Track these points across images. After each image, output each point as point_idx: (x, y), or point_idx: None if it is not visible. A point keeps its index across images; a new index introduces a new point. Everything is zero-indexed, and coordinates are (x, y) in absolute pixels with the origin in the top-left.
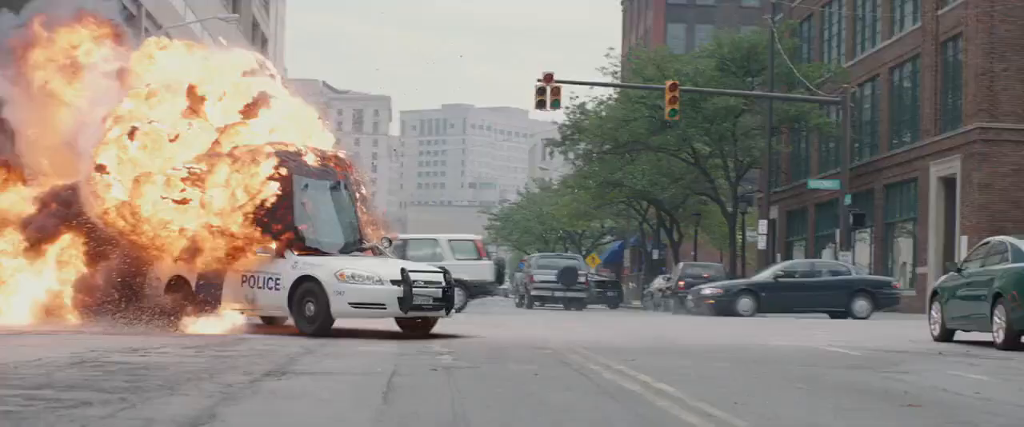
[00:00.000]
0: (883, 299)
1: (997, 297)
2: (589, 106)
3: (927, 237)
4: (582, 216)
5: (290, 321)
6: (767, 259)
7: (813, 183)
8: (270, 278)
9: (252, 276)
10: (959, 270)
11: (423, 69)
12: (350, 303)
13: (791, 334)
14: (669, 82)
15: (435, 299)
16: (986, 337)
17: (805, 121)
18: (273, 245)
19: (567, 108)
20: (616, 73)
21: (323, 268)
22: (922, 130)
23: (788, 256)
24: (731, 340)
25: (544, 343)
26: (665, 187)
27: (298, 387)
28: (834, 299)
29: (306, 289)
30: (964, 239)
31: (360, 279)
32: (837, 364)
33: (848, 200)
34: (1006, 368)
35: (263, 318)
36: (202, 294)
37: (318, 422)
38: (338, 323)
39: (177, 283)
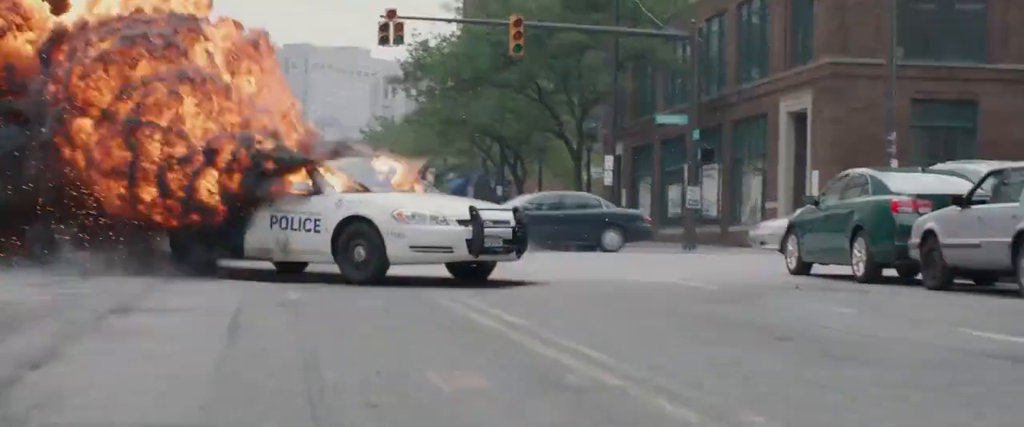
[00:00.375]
0: (634, 232)
1: (857, 230)
2: (432, 43)
3: (776, 173)
4: (426, 153)
5: (319, 267)
6: (613, 195)
7: (661, 118)
8: (308, 219)
9: (284, 217)
10: (816, 203)
11: (263, 9)
12: (411, 246)
13: (646, 270)
14: (514, 17)
15: (505, 241)
16: (844, 270)
17: (652, 56)
18: (308, 181)
19: (410, 45)
20: (459, 9)
21: (376, 206)
22: (772, 65)
23: (634, 193)
24: (587, 275)
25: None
26: (509, 123)
27: (144, 325)
28: (583, 232)
29: (354, 231)
30: (815, 174)
31: (422, 218)
32: (697, 298)
33: (696, 136)
34: (868, 301)
35: (278, 264)
36: (221, 240)
37: (165, 361)
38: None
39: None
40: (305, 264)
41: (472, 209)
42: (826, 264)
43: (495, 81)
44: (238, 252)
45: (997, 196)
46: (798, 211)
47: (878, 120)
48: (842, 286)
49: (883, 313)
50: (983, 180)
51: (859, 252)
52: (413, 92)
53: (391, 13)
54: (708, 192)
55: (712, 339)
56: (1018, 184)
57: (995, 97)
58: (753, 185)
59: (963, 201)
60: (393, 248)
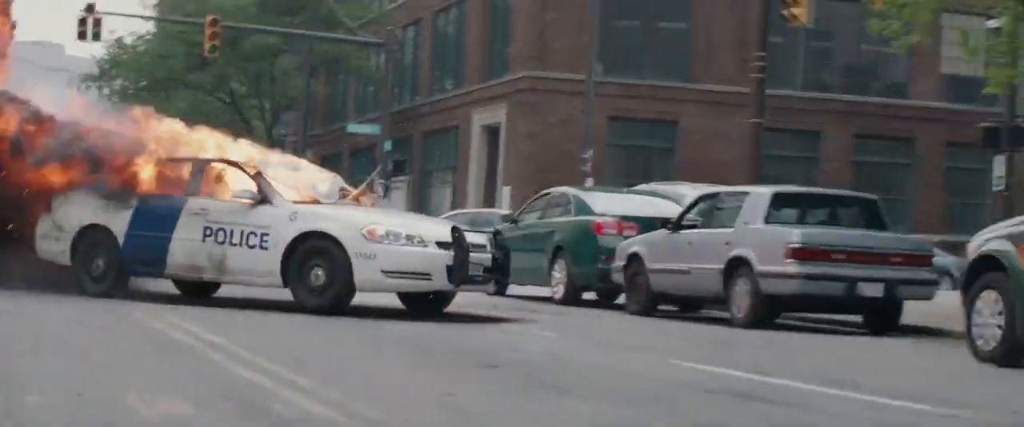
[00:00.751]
0: None
1: (558, 250)
2: (128, 41)
3: (466, 187)
4: None
5: (229, 290)
6: None
7: (352, 127)
8: (253, 233)
9: (221, 229)
10: (515, 221)
11: None
12: (383, 271)
13: None
14: (209, 17)
15: (485, 268)
16: (542, 291)
17: (345, 62)
18: (253, 188)
19: (106, 42)
20: (157, 6)
21: (341, 221)
22: (467, 77)
23: None
24: (262, 294)
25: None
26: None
27: None
28: None
29: (311, 249)
30: (507, 190)
31: (396, 238)
32: (394, 317)
33: (388, 146)
34: (570, 324)
35: (182, 285)
36: (135, 253)
37: None
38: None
39: (92, 235)
40: (216, 286)
41: (455, 230)
42: (524, 284)
43: (188, 82)
44: (158, 267)
45: (710, 220)
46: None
47: (574, 137)
48: (540, 308)
49: (587, 339)
50: (694, 204)
51: (559, 273)
52: (106, 91)
53: (90, 8)
54: (397, 204)
55: (417, 364)
56: (733, 209)
57: (696, 117)
58: (443, 198)
59: (673, 225)
60: (362, 272)
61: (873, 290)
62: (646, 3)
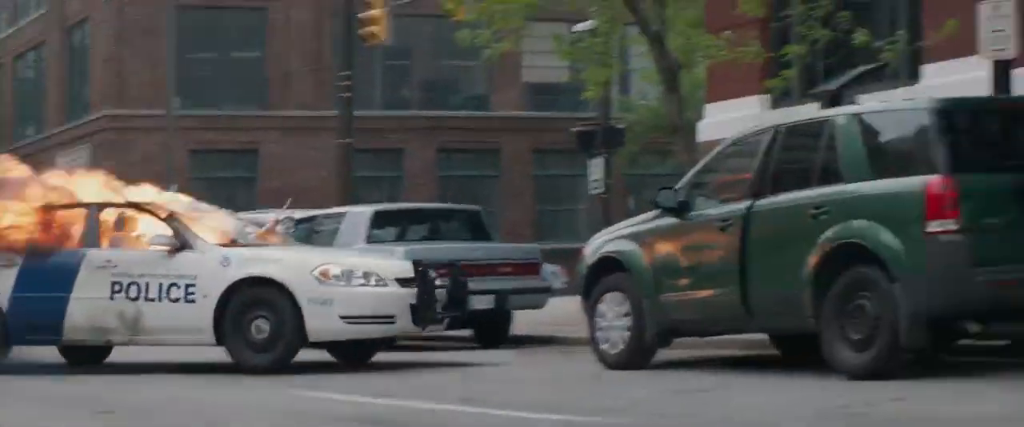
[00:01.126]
0: None
1: None
2: None
3: None
4: None
5: (155, 351)
6: None
7: None
8: (174, 284)
9: (134, 282)
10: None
11: None
12: (342, 316)
13: None
14: None
15: (442, 306)
16: None
17: None
18: (169, 232)
19: None
20: None
21: (286, 264)
22: (48, 120)
23: None
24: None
25: None
26: None
27: None
28: None
29: (251, 299)
30: None
31: (351, 277)
32: (26, 370)
33: None
34: (179, 361)
35: (70, 352)
36: (23, 319)
37: None
38: None
39: None
40: (107, 351)
41: (418, 264)
42: None
43: None
44: (49, 332)
45: (310, 243)
46: None
47: (158, 173)
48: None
49: (200, 374)
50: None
51: None
52: None
53: None
54: None
55: (36, 414)
56: (330, 231)
57: (276, 144)
58: None
59: None
60: (316, 320)
61: (483, 302)
62: (220, 34)
